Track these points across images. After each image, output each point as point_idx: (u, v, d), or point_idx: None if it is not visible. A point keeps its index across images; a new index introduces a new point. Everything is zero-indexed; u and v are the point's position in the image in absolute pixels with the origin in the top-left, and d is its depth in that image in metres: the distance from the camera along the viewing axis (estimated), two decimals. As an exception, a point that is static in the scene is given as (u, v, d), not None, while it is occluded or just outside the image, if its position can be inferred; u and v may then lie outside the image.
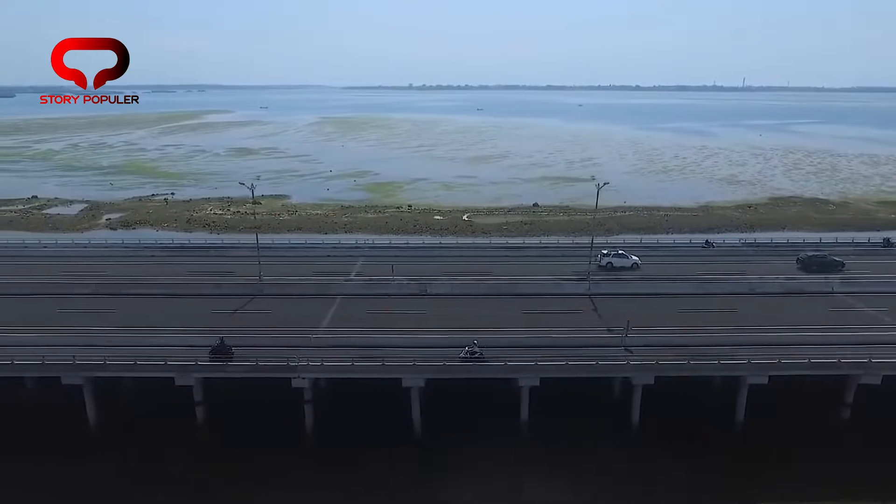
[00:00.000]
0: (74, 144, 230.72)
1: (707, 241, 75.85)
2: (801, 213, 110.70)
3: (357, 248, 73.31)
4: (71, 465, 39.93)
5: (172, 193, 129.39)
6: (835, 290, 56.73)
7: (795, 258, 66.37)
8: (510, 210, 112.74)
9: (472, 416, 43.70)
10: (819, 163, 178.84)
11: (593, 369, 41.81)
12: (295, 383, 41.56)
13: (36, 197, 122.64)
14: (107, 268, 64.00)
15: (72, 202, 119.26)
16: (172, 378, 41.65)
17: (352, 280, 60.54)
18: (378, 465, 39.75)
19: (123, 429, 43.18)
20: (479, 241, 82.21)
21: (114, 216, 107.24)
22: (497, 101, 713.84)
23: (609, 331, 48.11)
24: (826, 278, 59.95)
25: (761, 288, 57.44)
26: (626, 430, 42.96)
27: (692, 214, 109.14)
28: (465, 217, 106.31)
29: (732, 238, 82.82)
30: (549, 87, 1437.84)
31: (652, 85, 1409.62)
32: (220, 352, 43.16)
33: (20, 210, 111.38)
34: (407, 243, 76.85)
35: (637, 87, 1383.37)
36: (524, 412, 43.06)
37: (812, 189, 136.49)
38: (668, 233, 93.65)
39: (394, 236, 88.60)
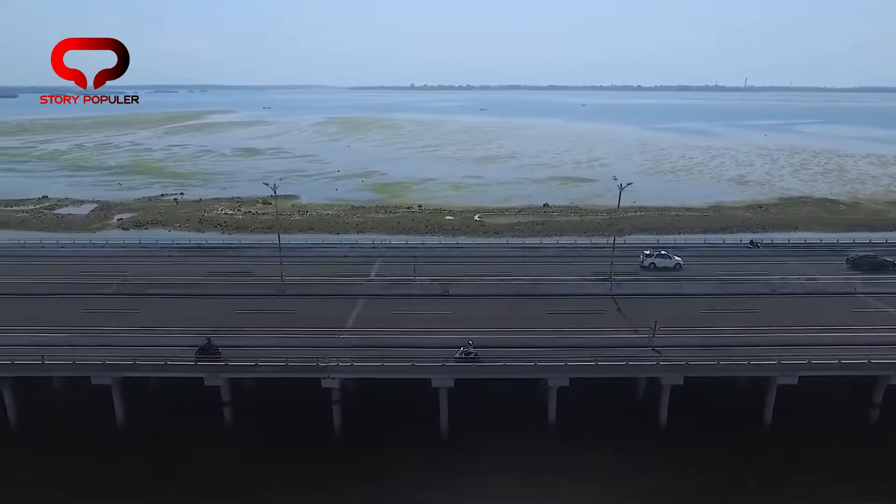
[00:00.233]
0: (80, 144, 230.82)
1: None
2: (812, 213, 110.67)
3: (374, 248, 73.34)
4: (99, 464, 40.02)
5: (182, 193, 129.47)
6: (857, 290, 56.68)
7: (845, 258, 66.17)
8: (521, 210, 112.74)
9: (499, 416, 43.73)
10: (826, 163, 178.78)
11: (623, 370, 41.87)
12: (324, 384, 41.57)
13: (46, 197, 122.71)
14: (126, 268, 64.03)
15: (82, 202, 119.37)
16: (202, 378, 41.65)
17: (373, 280, 60.56)
18: (406, 465, 39.76)
19: (151, 428, 43.20)
20: (497, 241, 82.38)
21: (125, 216, 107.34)
22: (499, 101, 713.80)
23: (635, 331, 48.07)
24: (872, 279, 59.61)
25: (784, 289, 57.33)
26: (654, 431, 42.95)
27: (703, 215, 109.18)
28: (476, 217, 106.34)
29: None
30: (551, 87, 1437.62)
31: (654, 85, 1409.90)
32: (207, 351, 43.10)
33: (31, 210, 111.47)
34: (423, 243, 76.97)
35: (639, 87, 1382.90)
36: (552, 412, 43.06)
37: (821, 189, 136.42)
38: (679, 233, 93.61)
39: (408, 236, 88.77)
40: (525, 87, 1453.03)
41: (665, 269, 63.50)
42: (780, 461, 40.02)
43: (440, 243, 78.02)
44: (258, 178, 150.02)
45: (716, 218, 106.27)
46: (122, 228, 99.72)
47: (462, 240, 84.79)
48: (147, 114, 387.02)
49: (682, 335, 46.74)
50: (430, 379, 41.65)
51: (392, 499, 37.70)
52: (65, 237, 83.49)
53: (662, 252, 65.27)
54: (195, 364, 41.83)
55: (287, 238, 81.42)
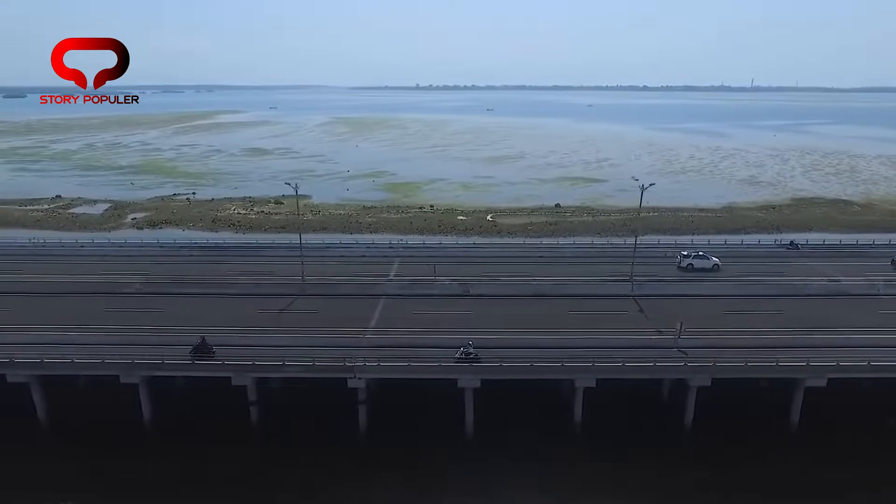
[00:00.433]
0: (90, 144, 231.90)
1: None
2: (826, 214, 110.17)
3: (391, 248, 73.42)
4: (127, 463, 40.24)
5: (194, 193, 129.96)
6: (881, 291, 56.42)
7: (890, 260, 65.88)
8: (533, 210, 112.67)
9: (524, 416, 43.76)
10: (838, 164, 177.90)
11: (651, 370, 41.78)
12: (351, 383, 41.63)
13: (60, 196, 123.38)
14: (146, 267, 64.34)
15: (95, 202, 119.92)
16: (229, 378, 41.79)
17: (392, 280, 60.64)
18: (432, 465, 39.80)
19: (178, 427, 43.43)
20: (513, 241, 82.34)
21: (139, 216, 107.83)
22: (505, 100, 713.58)
23: (658, 332, 47.95)
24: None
25: (805, 290, 57.06)
26: (680, 432, 42.87)
27: (716, 215, 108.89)
28: (488, 217, 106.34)
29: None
30: (556, 88, 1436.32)
31: (660, 85, 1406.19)
32: (201, 350, 43.23)
33: (46, 210, 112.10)
34: (440, 243, 77.03)
35: (644, 88, 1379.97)
36: (577, 413, 43.03)
37: (834, 190, 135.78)
38: (693, 234, 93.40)
39: (425, 236, 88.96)
40: (530, 88, 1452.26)
41: (703, 269, 62.82)
42: (808, 462, 39.91)
43: (457, 243, 78.11)
44: (268, 178, 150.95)
45: (729, 219, 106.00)
46: (137, 228, 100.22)
47: (477, 240, 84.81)
48: (155, 114, 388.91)
49: (707, 336, 46.59)
50: (456, 379, 41.68)
51: (418, 499, 37.78)
52: (81, 236, 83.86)
53: (700, 253, 64.65)
54: (222, 364, 41.95)
55: (306, 238, 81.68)
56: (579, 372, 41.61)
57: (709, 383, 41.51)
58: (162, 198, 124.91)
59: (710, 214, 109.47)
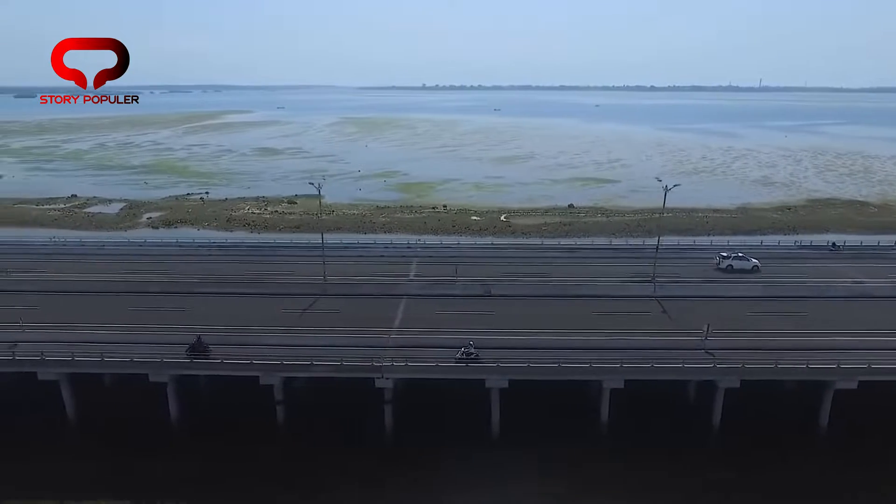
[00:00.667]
0: (102, 144, 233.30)
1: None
2: (842, 215, 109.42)
3: (409, 248, 73.43)
4: (156, 461, 40.43)
5: (207, 193, 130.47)
6: (906, 293, 55.98)
7: None
8: (546, 211, 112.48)
9: (550, 417, 43.69)
10: (851, 164, 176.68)
11: (680, 371, 41.59)
12: (378, 383, 41.68)
13: (75, 196, 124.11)
14: (167, 266, 64.60)
15: (110, 201, 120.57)
16: (257, 377, 41.92)
17: (413, 280, 60.65)
18: (458, 465, 39.76)
19: (205, 426, 43.62)
20: (531, 242, 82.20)
21: (154, 215, 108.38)
22: (512, 100, 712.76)
23: (684, 333, 47.68)
24: None
25: (828, 292, 56.64)
26: (708, 433, 42.72)
27: (731, 216, 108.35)
28: (502, 217, 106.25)
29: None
30: (563, 88, 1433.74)
31: (667, 85, 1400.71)
32: (197, 349, 43.27)
33: (62, 209, 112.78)
34: (458, 243, 77.02)
35: (652, 88, 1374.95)
36: (604, 413, 42.93)
37: (849, 191, 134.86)
38: (709, 234, 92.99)
39: (439, 236, 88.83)
40: (537, 88, 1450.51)
41: (742, 271, 62.17)
42: (838, 464, 39.68)
43: (475, 244, 77.94)
44: (280, 177, 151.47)
45: (745, 219, 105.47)
46: (152, 227, 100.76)
47: (493, 240, 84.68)
48: (165, 114, 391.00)
49: (733, 337, 46.36)
50: (483, 379, 41.65)
51: (443, 499, 37.76)
52: (100, 235, 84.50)
53: (739, 254, 64.01)
54: (251, 363, 42.06)
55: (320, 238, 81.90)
56: (607, 373, 41.50)
57: (738, 385, 41.29)
58: (176, 197, 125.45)
59: (724, 215, 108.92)
